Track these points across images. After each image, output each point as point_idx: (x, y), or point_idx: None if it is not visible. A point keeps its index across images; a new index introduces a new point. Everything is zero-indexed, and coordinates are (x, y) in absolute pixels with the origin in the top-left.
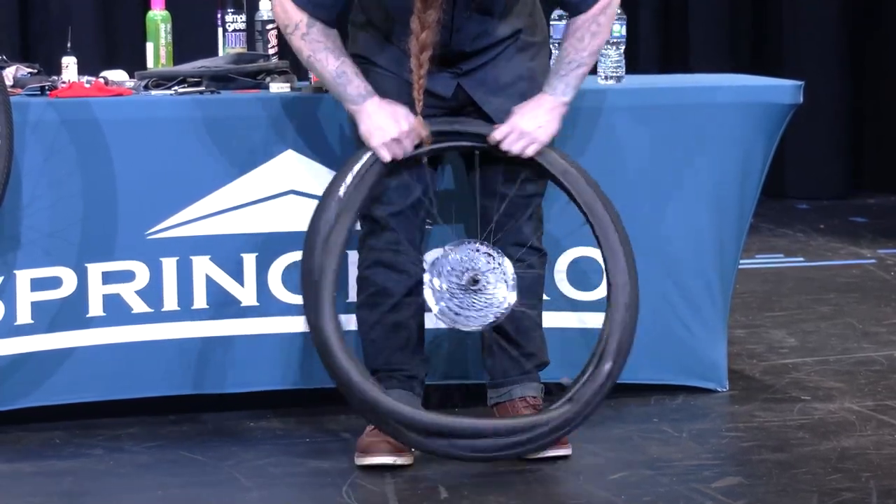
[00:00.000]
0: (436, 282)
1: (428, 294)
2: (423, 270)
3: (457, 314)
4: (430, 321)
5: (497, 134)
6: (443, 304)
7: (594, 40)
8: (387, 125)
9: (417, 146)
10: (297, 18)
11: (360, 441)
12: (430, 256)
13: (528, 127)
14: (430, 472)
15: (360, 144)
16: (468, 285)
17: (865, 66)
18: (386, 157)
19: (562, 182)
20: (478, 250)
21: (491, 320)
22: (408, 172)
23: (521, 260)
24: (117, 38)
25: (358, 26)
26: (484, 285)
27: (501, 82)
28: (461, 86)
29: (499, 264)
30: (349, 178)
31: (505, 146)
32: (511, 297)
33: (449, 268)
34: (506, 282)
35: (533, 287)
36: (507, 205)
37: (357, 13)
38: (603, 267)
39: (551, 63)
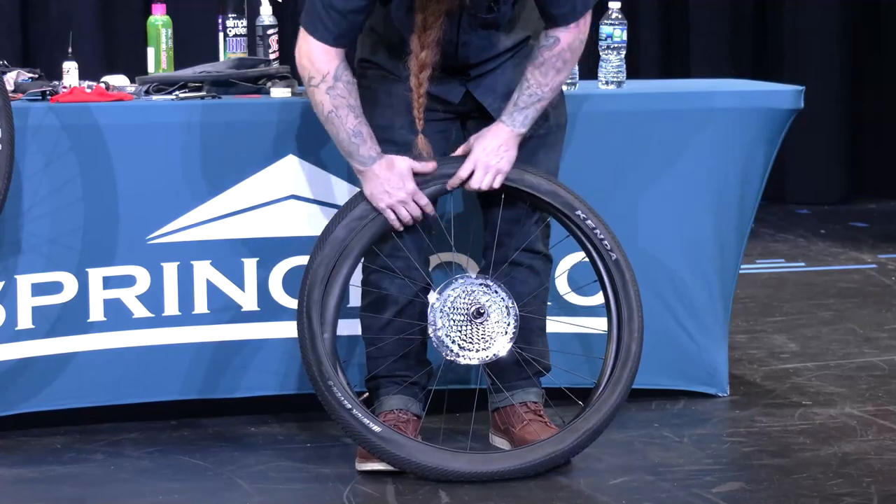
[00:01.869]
0: (438, 316)
1: (431, 328)
2: (429, 277)
3: (460, 347)
4: None
5: (462, 172)
6: (444, 335)
7: (558, 76)
8: (393, 188)
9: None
10: (324, 70)
11: (360, 446)
12: (431, 296)
13: (490, 160)
14: None
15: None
16: (472, 317)
17: (866, 71)
18: (392, 218)
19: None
20: (479, 285)
21: (492, 353)
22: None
23: (526, 265)
24: (118, 44)
25: (365, 32)
26: (487, 318)
27: (511, 88)
28: (469, 92)
29: (501, 298)
30: (347, 221)
31: (473, 183)
32: (510, 335)
33: (451, 301)
34: (507, 316)
35: (537, 293)
36: (514, 211)
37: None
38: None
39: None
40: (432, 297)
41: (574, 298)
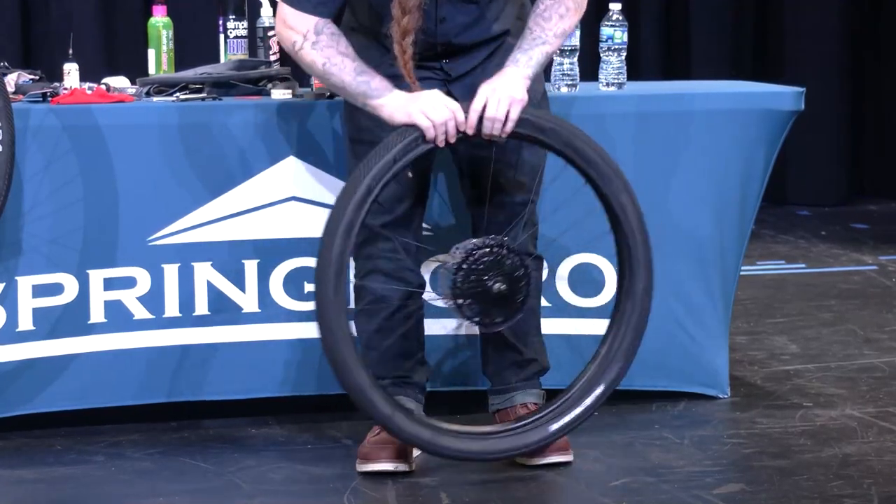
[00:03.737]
0: (453, 286)
1: (445, 294)
2: (421, 277)
3: (479, 314)
4: (431, 327)
5: (476, 104)
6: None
7: (561, 22)
8: (420, 96)
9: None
10: (303, 29)
11: (361, 448)
12: (447, 257)
13: (500, 87)
14: (431, 478)
15: (353, 147)
16: (492, 286)
17: (866, 72)
18: (431, 134)
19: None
20: (502, 248)
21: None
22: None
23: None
24: (119, 45)
25: (348, 30)
26: (511, 287)
27: None
28: (451, 92)
29: (521, 262)
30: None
31: (489, 113)
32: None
33: (474, 268)
34: (527, 278)
35: (531, 293)
36: (502, 212)
37: (348, 16)
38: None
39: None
40: (474, 241)
41: (576, 300)
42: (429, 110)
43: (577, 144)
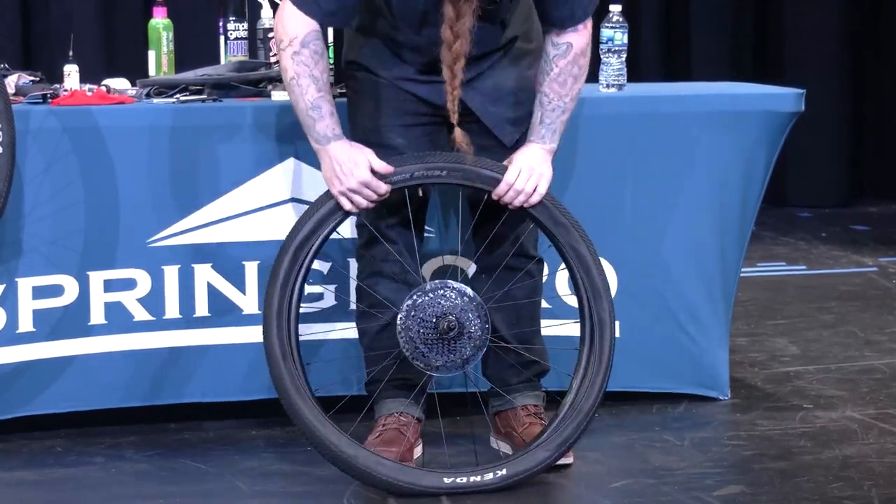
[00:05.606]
0: (408, 332)
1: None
2: (423, 279)
3: (433, 361)
4: None
5: (509, 175)
6: (418, 350)
7: (576, 84)
8: (346, 174)
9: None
10: (293, 33)
11: None
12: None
13: (535, 165)
14: None
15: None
16: (443, 333)
17: (866, 74)
18: (345, 205)
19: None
20: (446, 289)
21: (466, 360)
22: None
23: (518, 269)
24: (119, 47)
25: (357, 32)
26: (460, 329)
27: (500, 92)
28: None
29: (469, 300)
30: (310, 225)
31: (519, 185)
32: (485, 335)
33: (420, 317)
34: (479, 318)
35: (531, 295)
36: (502, 213)
37: (363, 19)
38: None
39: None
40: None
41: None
42: (343, 190)
43: (580, 250)
